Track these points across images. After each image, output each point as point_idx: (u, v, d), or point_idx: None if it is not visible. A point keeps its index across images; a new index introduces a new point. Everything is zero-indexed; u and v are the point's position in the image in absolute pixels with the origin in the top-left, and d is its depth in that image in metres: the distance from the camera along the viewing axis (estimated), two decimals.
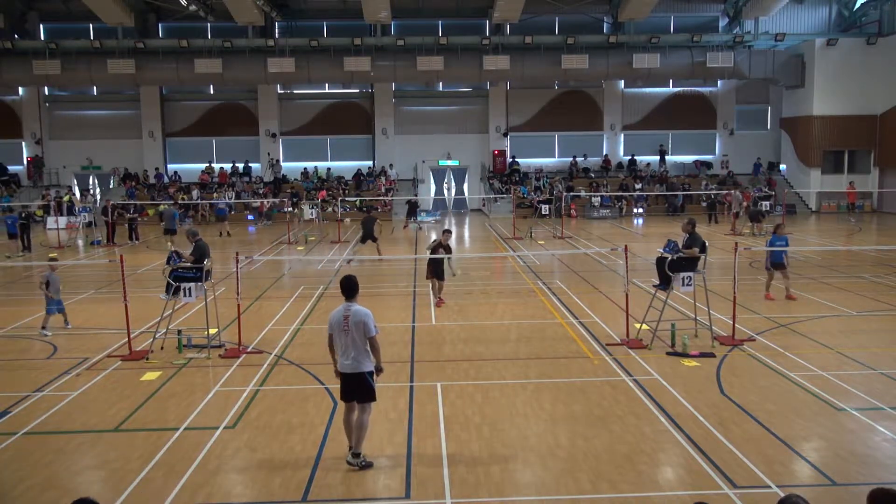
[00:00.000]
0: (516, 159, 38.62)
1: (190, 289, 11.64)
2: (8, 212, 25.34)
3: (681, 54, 34.53)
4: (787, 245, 15.30)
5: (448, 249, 15.51)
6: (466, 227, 32.37)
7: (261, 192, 36.06)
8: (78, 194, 36.62)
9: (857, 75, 33.98)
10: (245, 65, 34.41)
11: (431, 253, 15.26)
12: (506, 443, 8.07)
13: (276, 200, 34.04)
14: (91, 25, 36.01)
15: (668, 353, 11.30)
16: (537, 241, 25.94)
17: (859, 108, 34.37)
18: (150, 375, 10.63)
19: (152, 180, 37.27)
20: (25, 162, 38.46)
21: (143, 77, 34.48)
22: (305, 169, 38.61)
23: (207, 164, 38.45)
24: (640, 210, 35.46)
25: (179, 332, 12.10)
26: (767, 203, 31.78)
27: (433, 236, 23.17)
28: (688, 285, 11.63)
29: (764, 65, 34.82)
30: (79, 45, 34.14)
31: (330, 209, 32.87)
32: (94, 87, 38.35)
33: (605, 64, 34.35)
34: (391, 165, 38.31)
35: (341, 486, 7.12)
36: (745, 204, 29.43)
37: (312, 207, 30.48)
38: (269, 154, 38.42)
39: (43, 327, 13.22)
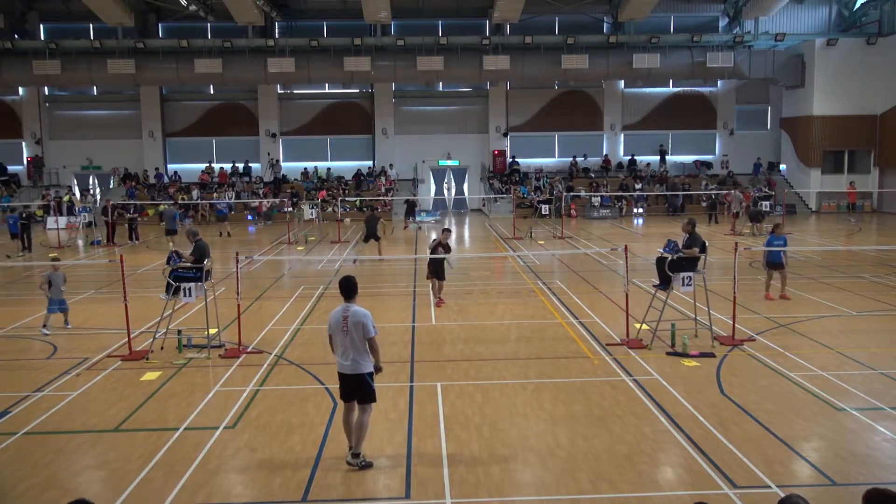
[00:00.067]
0: (516, 159, 38.63)
1: (190, 289, 11.64)
2: (10, 212, 25.32)
3: (681, 54, 34.53)
4: (785, 245, 15.31)
5: (448, 248, 15.52)
6: (466, 227, 32.36)
7: (261, 192, 36.06)
8: (78, 194, 36.64)
9: (857, 75, 33.98)
10: (245, 65, 34.41)
11: (432, 252, 15.27)
12: (506, 443, 8.07)
13: (276, 200, 34.05)
14: (91, 25, 36.03)
15: (668, 353, 11.30)
16: (537, 241, 25.94)
17: (859, 108, 34.38)
18: (150, 375, 10.63)
19: (152, 180, 37.27)
20: (25, 162, 38.47)
21: (143, 77, 34.48)
22: (305, 169, 38.61)
23: (207, 164, 38.46)
24: (640, 210, 35.46)
25: (179, 332, 12.10)
26: (767, 203, 31.77)
27: (433, 236, 23.17)
28: (688, 285, 11.63)
29: (764, 65, 34.83)
30: (79, 45, 34.15)
31: (330, 209, 32.88)
32: (94, 87, 38.37)
33: (605, 64, 34.35)
34: (391, 165, 38.32)
35: (341, 486, 7.12)
36: (745, 204, 29.42)
37: (312, 207, 30.49)
38: (269, 154, 38.43)
39: (44, 325, 13.27)
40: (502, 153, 38.51)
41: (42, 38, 36.63)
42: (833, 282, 17.18)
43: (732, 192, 31.02)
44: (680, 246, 11.89)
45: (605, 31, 37.07)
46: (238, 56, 34.47)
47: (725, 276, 16.23)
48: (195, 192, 35.69)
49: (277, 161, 38.32)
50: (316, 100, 38.89)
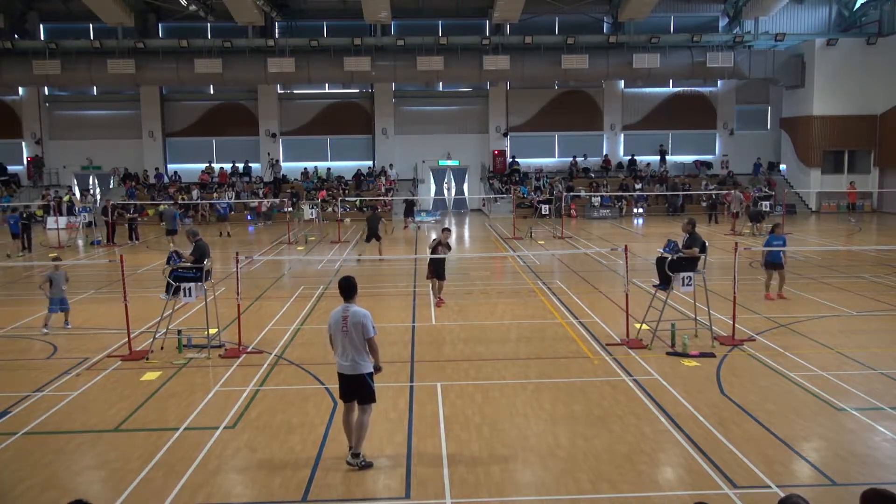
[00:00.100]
0: (516, 159, 38.62)
1: (190, 289, 11.64)
2: (11, 211, 25.33)
3: (681, 54, 34.53)
4: (784, 245, 15.32)
5: (448, 248, 15.52)
6: (466, 227, 32.36)
7: (261, 192, 36.06)
8: (78, 194, 36.63)
9: (857, 75, 33.98)
10: (245, 65, 34.41)
11: (432, 252, 15.27)
12: (506, 443, 8.07)
13: (276, 200, 34.05)
14: (91, 25, 36.02)
15: (668, 353, 11.30)
16: (537, 241, 25.94)
17: (859, 108, 34.38)
18: (150, 375, 10.63)
19: (152, 180, 37.27)
20: (25, 162, 38.47)
21: (143, 77, 34.48)
22: (305, 169, 38.61)
23: (207, 164, 38.45)
24: (640, 210, 35.46)
25: (179, 332, 12.10)
26: (767, 203, 31.78)
27: (433, 236, 23.16)
28: (688, 285, 11.63)
29: (764, 65, 34.83)
30: (79, 45, 34.15)
31: (330, 209, 32.88)
32: (94, 87, 38.36)
33: (605, 64, 34.35)
34: (391, 165, 38.31)
35: (341, 486, 7.12)
36: (745, 204, 29.44)
37: (312, 207, 30.50)
38: (269, 154, 38.43)
39: (45, 325, 13.28)
40: (502, 153, 38.50)
41: (42, 38, 36.63)
42: (833, 282, 17.18)
43: (732, 192, 31.02)
44: (680, 246, 11.90)
45: (605, 31, 37.07)
46: (238, 56, 34.47)
47: (725, 276, 16.23)
48: (195, 192, 35.68)
49: (277, 161, 38.32)
50: (316, 100, 38.89)
